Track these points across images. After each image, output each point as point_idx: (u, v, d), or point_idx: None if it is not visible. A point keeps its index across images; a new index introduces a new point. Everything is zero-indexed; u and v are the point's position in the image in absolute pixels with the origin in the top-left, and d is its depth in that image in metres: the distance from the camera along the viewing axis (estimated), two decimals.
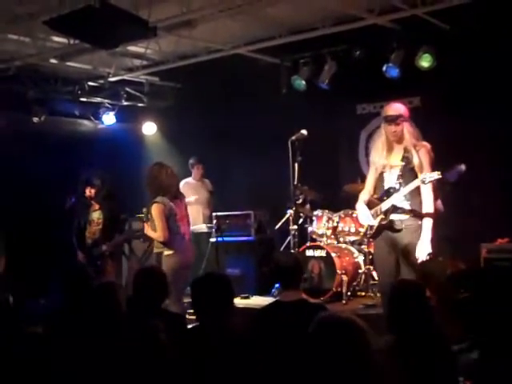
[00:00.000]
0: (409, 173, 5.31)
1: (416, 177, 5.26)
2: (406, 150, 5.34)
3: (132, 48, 8.50)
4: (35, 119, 9.26)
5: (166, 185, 6.56)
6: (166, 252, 6.37)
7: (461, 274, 5.77)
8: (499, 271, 6.22)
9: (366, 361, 2.48)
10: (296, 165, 6.70)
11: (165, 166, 6.74)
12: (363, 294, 7.48)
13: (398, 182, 5.36)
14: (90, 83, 9.59)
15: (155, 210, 6.37)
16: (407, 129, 5.37)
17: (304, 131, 6.75)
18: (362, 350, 2.49)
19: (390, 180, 5.46)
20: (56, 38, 7.92)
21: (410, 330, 3.45)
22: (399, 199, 5.32)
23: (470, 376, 3.23)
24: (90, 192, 7.30)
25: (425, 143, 5.35)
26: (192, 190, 8.91)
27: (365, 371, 2.47)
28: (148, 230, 6.43)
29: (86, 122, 10.07)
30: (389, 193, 5.39)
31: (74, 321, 4.20)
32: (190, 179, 9.10)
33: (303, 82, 8.76)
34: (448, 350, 3.54)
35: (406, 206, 5.33)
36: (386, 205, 5.35)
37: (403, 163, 5.32)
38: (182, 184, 8.83)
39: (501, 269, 6.38)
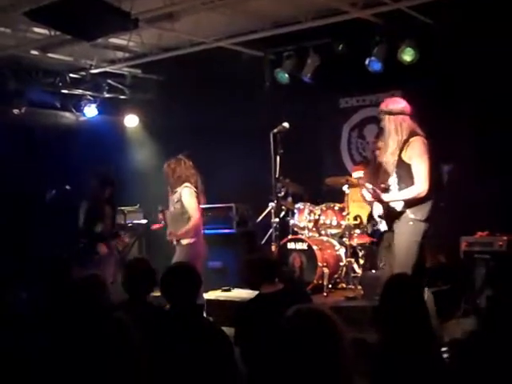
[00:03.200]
0: (403, 168, 5.29)
1: (410, 171, 5.24)
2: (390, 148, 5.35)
3: (114, 40, 8.44)
4: (15, 111, 9.14)
5: (186, 175, 6.79)
6: (186, 241, 6.46)
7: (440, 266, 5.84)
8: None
9: (336, 353, 2.49)
10: (278, 158, 6.68)
11: (182, 158, 6.97)
12: (344, 286, 7.50)
13: (394, 180, 5.38)
14: (71, 75, 9.52)
15: (187, 193, 6.61)
16: (391, 123, 5.34)
17: (286, 124, 6.74)
18: (334, 343, 2.50)
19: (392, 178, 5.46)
20: (37, 30, 7.86)
21: (402, 324, 3.44)
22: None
23: None
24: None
25: (416, 137, 5.29)
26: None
27: (335, 364, 2.47)
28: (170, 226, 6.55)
29: (67, 114, 9.98)
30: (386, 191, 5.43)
31: (53, 314, 4.17)
32: None
33: (286, 75, 8.76)
34: (438, 346, 3.56)
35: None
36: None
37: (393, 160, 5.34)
38: None
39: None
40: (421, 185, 5.17)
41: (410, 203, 5.24)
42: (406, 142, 5.23)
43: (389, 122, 5.36)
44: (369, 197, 5.61)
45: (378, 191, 5.42)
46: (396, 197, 5.34)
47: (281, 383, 2.50)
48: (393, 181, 5.38)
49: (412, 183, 5.20)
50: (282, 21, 7.83)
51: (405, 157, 5.23)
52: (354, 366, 2.55)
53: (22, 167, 8.66)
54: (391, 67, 7.95)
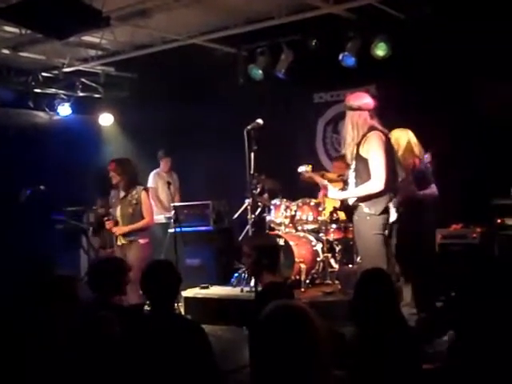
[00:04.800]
0: (362, 164, 5.37)
1: (367, 165, 5.31)
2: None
3: (86, 38, 8.38)
4: None
5: (136, 176, 7.03)
6: (143, 240, 6.70)
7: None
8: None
9: (313, 348, 2.51)
10: (252, 154, 6.68)
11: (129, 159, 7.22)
12: (322, 281, 7.52)
13: (352, 174, 5.47)
14: (44, 74, 9.46)
15: (145, 195, 6.85)
16: (349, 118, 5.43)
17: (259, 120, 6.74)
18: (311, 338, 2.52)
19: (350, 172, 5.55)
20: (7, 28, 7.78)
21: (374, 317, 3.47)
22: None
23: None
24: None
25: (374, 131, 5.36)
26: (161, 180, 8.98)
27: (312, 358, 2.49)
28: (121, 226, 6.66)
29: (40, 113, 9.89)
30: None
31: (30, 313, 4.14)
32: (159, 170, 9.11)
33: (260, 72, 8.78)
34: (411, 338, 3.60)
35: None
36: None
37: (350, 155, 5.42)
38: (151, 174, 8.91)
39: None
40: (376, 180, 5.24)
41: (363, 198, 5.32)
42: (363, 136, 5.30)
43: (347, 117, 5.46)
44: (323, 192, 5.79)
45: (326, 186, 5.62)
46: (349, 194, 5.45)
47: (261, 378, 2.52)
48: (351, 175, 5.45)
49: (369, 178, 5.27)
50: (254, 17, 7.81)
51: (362, 151, 5.30)
52: (331, 359, 2.57)
53: None
54: (365, 62, 8.00)
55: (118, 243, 6.90)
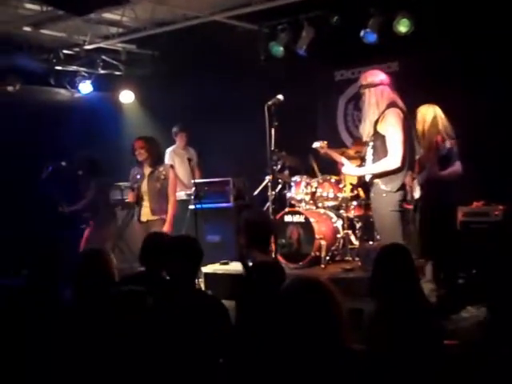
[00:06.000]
0: (379, 141, 5.36)
1: (384, 142, 5.31)
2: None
3: (107, 15, 8.38)
4: (10, 88, 9.12)
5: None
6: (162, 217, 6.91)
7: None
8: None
9: (333, 321, 2.52)
10: (273, 130, 6.67)
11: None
12: (342, 258, 7.52)
13: (370, 151, 5.46)
14: (65, 51, 9.45)
15: (172, 172, 7.15)
16: (372, 95, 5.40)
17: (280, 96, 6.72)
18: (331, 311, 2.53)
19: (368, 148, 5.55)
20: (28, 5, 7.80)
21: (394, 294, 3.47)
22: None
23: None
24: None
25: (392, 108, 5.35)
26: (178, 158, 8.96)
27: (332, 331, 2.50)
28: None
29: (62, 90, 9.94)
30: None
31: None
32: (174, 147, 9.10)
33: (281, 49, 8.72)
34: (432, 314, 3.60)
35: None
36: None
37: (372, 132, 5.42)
38: (167, 152, 8.91)
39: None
40: (392, 157, 5.25)
41: (380, 175, 5.31)
42: (381, 113, 5.29)
43: (369, 94, 5.45)
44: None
45: (341, 162, 5.66)
46: (365, 170, 5.45)
47: (279, 352, 2.54)
48: (369, 152, 5.45)
49: (386, 154, 5.26)
50: None
51: (380, 128, 5.30)
52: (350, 333, 2.59)
53: (18, 144, 8.64)
54: (387, 39, 7.90)
55: (143, 219, 7.01)
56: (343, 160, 6.28)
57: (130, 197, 7.19)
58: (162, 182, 7.00)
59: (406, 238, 5.87)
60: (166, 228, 6.85)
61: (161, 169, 7.06)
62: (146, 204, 7.06)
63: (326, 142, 7.10)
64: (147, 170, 7.09)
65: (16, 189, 8.52)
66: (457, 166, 6.07)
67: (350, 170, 5.86)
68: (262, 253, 4.46)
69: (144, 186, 7.06)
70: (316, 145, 7.09)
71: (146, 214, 7.07)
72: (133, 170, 7.23)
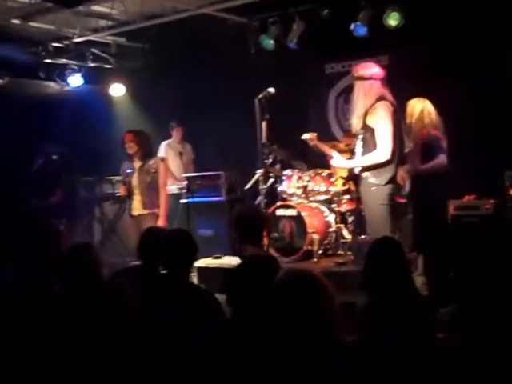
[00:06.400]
0: (369, 134, 5.39)
1: (374, 135, 5.33)
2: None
3: (97, 8, 8.34)
4: None
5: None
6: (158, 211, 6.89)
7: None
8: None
9: (326, 314, 2.54)
10: (264, 124, 6.67)
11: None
12: (334, 252, 7.55)
13: (359, 144, 5.49)
14: (54, 44, 9.38)
15: (163, 165, 7.14)
16: (361, 88, 5.42)
17: (271, 89, 6.72)
18: (324, 304, 2.55)
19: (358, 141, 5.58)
20: None
21: (386, 287, 3.49)
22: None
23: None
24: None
25: (382, 101, 5.37)
26: (172, 151, 8.97)
27: (324, 325, 2.52)
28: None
29: (51, 83, 9.87)
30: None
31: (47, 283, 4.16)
32: (170, 141, 9.12)
33: (271, 42, 8.71)
34: (424, 307, 3.62)
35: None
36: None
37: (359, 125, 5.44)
38: (162, 145, 8.92)
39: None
40: (381, 150, 5.28)
41: (368, 168, 5.34)
42: (371, 106, 5.31)
43: (358, 87, 5.48)
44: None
45: (330, 154, 5.69)
46: (355, 163, 5.48)
47: (271, 345, 2.55)
48: (358, 144, 5.47)
49: (375, 147, 5.28)
50: None
51: (369, 121, 5.32)
52: (342, 326, 2.61)
53: (8, 137, 8.58)
54: (377, 32, 7.92)
55: (134, 213, 7.01)
56: (333, 153, 6.30)
57: (121, 191, 7.20)
58: (153, 176, 7.00)
59: (399, 232, 5.91)
60: (160, 222, 6.85)
61: (151, 162, 7.05)
62: (136, 198, 7.06)
63: (315, 134, 7.11)
64: (137, 164, 7.08)
65: (5, 182, 8.47)
66: (440, 159, 6.08)
67: (339, 162, 5.90)
68: (254, 246, 4.48)
69: (135, 180, 7.05)
70: (305, 136, 7.11)
71: (137, 208, 7.07)
72: (123, 164, 7.22)
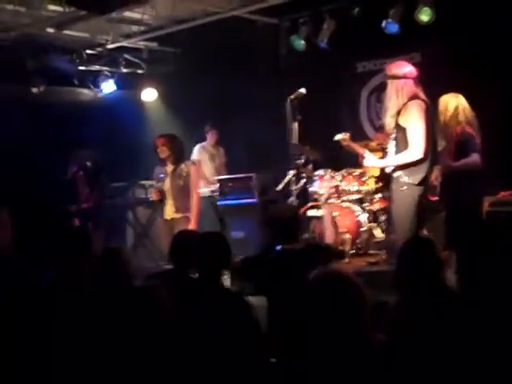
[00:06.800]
0: (401, 133, 5.33)
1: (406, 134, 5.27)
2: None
3: (128, 14, 8.43)
4: (34, 90, 9.22)
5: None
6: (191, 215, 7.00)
7: None
8: None
9: (359, 313, 2.52)
10: (296, 124, 6.65)
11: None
12: (366, 252, 7.48)
13: (392, 143, 5.44)
14: (87, 51, 9.51)
15: (194, 168, 7.32)
16: (393, 87, 5.37)
17: (303, 90, 6.69)
18: (357, 303, 2.53)
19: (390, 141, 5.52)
20: (51, 7, 7.87)
21: (418, 286, 3.44)
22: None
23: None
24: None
25: (414, 100, 5.32)
26: (207, 154, 9.01)
27: (358, 323, 2.51)
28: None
29: (85, 90, 10.01)
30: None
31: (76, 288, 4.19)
32: (205, 144, 9.15)
33: (302, 42, 8.69)
34: (457, 306, 3.55)
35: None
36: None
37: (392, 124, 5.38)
38: (196, 148, 8.96)
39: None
40: (414, 149, 5.22)
41: (401, 167, 5.28)
42: (404, 105, 5.26)
43: (391, 86, 5.43)
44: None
45: (363, 154, 5.64)
46: (387, 162, 5.42)
47: (304, 344, 2.55)
48: (391, 144, 5.42)
49: (407, 146, 5.23)
50: None
51: (401, 120, 5.26)
52: (375, 325, 2.59)
53: (44, 146, 8.71)
54: (409, 28, 7.83)
55: (167, 217, 7.06)
56: (365, 153, 6.23)
57: (154, 195, 7.25)
58: (185, 179, 7.06)
59: (431, 230, 5.82)
60: (191, 225, 6.88)
61: (182, 166, 7.11)
62: (169, 202, 7.12)
63: (348, 134, 7.05)
64: (170, 168, 7.13)
65: (41, 187, 8.60)
66: (473, 158, 5.98)
67: (372, 161, 5.82)
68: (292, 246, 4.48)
69: (167, 184, 7.12)
70: (339, 137, 7.03)
71: (170, 211, 7.12)
72: (156, 169, 7.28)
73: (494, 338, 3.14)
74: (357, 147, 6.66)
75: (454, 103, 6.06)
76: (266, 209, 8.32)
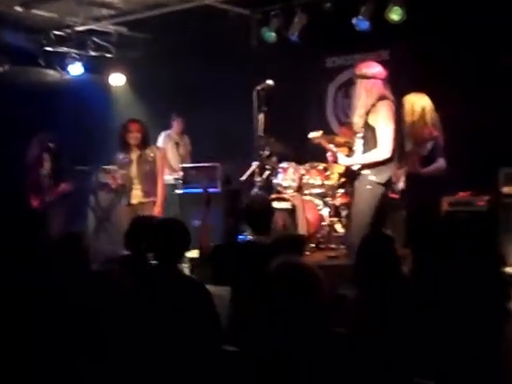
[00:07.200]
0: (370, 132, 5.39)
1: (375, 133, 5.34)
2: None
3: None
4: None
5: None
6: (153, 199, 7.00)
7: None
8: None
9: (318, 305, 2.55)
10: (261, 116, 6.66)
11: None
12: (327, 246, 7.53)
13: (360, 142, 5.49)
14: (55, 32, 9.37)
15: (159, 154, 7.25)
16: (362, 87, 5.42)
17: (270, 81, 6.71)
18: (316, 295, 2.56)
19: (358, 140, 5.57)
20: None
21: (376, 281, 3.49)
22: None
23: None
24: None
25: (384, 101, 5.38)
26: (171, 142, 9.02)
27: (318, 315, 2.54)
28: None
29: (51, 72, 9.86)
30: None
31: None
32: (170, 132, 9.13)
33: (273, 34, 8.69)
34: (413, 302, 3.61)
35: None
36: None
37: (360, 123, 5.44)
38: (162, 136, 8.94)
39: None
40: (383, 149, 5.31)
41: (368, 165, 5.35)
42: (373, 105, 5.32)
43: (360, 86, 5.47)
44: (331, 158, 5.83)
45: (335, 152, 5.69)
46: (356, 160, 5.47)
47: (262, 333, 2.58)
48: (358, 143, 5.49)
49: (375, 146, 5.30)
50: None
51: (370, 120, 5.33)
52: (334, 318, 2.63)
53: (7, 125, 8.57)
54: (379, 26, 7.88)
55: (134, 201, 7.01)
56: (336, 151, 6.27)
57: (114, 180, 7.18)
58: (151, 165, 7.02)
59: (392, 227, 5.90)
60: (156, 211, 6.87)
61: (148, 151, 7.07)
62: (136, 187, 7.07)
63: (321, 132, 7.08)
64: (135, 154, 7.07)
65: (4, 169, 8.46)
66: (440, 163, 6.11)
67: (345, 161, 5.84)
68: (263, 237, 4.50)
69: (133, 170, 7.06)
70: (312, 135, 7.04)
71: (137, 196, 7.07)
72: (118, 154, 7.19)
73: (448, 331, 3.22)
74: (328, 145, 6.70)
75: (420, 103, 6.12)
76: (230, 199, 8.35)
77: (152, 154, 7.08)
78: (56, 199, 7.73)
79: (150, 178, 7.03)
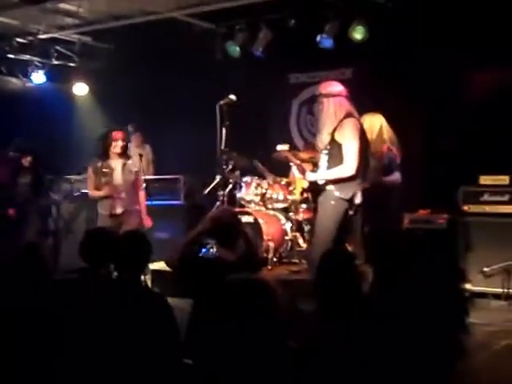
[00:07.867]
0: (336, 148, 5.46)
1: (340, 150, 5.41)
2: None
3: (63, 5, 8.26)
4: None
5: None
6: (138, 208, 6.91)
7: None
8: None
9: (276, 320, 2.57)
10: (224, 130, 6.69)
11: None
12: (289, 260, 7.57)
13: (324, 158, 5.56)
14: (18, 40, 9.28)
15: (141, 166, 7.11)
16: (331, 105, 5.49)
17: (233, 96, 6.75)
18: (274, 311, 2.58)
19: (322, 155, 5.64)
20: None
21: (335, 297, 3.53)
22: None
23: None
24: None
25: (350, 118, 5.47)
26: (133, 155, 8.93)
27: (275, 330, 2.56)
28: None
29: (13, 79, 9.76)
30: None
31: None
32: (130, 145, 9.04)
33: (238, 49, 8.75)
34: (373, 318, 3.66)
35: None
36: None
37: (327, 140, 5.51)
38: None
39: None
40: (348, 165, 5.38)
41: (333, 181, 5.43)
42: (340, 122, 5.40)
43: (328, 104, 5.52)
44: (297, 172, 5.88)
45: (303, 168, 5.74)
46: (322, 176, 5.55)
47: (219, 347, 2.58)
48: (323, 158, 5.55)
49: (341, 162, 5.38)
50: None
51: (337, 136, 5.41)
52: (292, 333, 2.64)
53: None
54: (343, 45, 8.01)
55: (118, 211, 6.83)
56: (302, 167, 6.32)
57: (107, 191, 6.96)
58: (135, 174, 6.97)
59: (353, 244, 5.97)
60: (148, 222, 6.93)
61: (130, 161, 6.99)
62: (121, 196, 6.91)
63: (288, 146, 7.15)
64: (118, 163, 6.92)
65: None
66: (395, 176, 6.42)
67: (311, 176, 5.89)
68: (229, 251, 4.48)
69: (117, 179, 6.90)
70: (281, 147, 7.07)
71: (121, 205, 6.89)
72: (95, 163, 6.98)
73: (407, 349, 3.28)
74: (294, 159, 6.75)
75: (377, 122, 6.42)
76: (193, 211, 8.35)
77: (137, 164, 7.04)
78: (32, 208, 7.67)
79: (134, 188, 6.97)
